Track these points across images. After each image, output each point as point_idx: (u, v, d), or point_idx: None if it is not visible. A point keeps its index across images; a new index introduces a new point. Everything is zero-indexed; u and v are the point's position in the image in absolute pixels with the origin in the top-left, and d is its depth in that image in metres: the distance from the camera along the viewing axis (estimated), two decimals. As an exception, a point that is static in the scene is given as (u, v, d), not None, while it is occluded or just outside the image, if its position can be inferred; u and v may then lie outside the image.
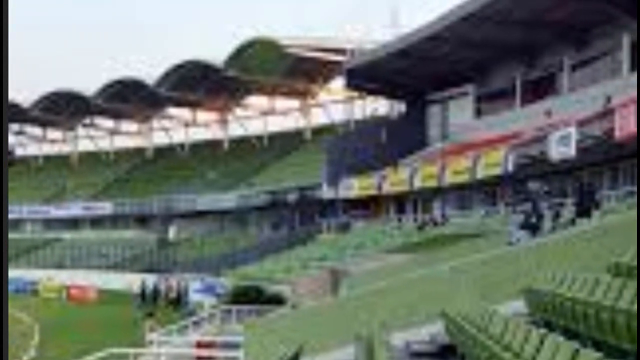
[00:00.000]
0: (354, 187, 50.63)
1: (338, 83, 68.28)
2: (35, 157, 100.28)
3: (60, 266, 73.82)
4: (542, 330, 9.41)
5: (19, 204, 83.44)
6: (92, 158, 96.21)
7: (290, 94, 78.14)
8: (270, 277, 43.39)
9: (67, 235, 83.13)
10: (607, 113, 28.71)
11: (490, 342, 10.11)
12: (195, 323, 36.28)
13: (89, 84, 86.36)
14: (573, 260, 16.77)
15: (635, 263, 11.82)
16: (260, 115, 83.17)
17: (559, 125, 33.13)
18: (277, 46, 65.47)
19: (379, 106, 64.35)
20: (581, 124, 30.34)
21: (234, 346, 25.13)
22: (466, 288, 18.26)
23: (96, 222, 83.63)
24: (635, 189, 28.10)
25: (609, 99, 30.80)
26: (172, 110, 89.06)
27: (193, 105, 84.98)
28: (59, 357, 30.31)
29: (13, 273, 61.28)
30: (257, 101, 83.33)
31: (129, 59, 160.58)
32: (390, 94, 57.71)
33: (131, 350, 25.48)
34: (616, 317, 9.02)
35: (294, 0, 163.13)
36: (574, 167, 32.75)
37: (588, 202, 23.83)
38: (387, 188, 47.70)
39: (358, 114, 70.57)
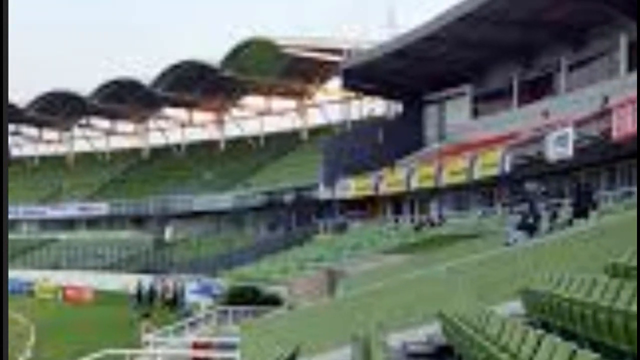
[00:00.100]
0: (351, 187, 50.56)
1: (335, 83, 68.22)
2: (31, 158, 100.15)
3: (56, 267, 73.73)
4: (540, 331, 9.38)
5: (15, 204, 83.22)
6: (88, 158, 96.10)
7: (286, 94, 78.11)
8: (267, 277, 43.33)
9: (63, 235, 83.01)
10: (604, 113, 28.67)
11: (487, 343, 10.06)
12: (192, 324, 36.21)
13: (85, 84, 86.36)
14: (570, 260, 16.74)
15: (632, 263, 11.78)
16: (257, 116, 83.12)
17: (556, 125, 33.08)
18: (274, 46, 65.42)
19: (376, 106, 64.39)
20: (578, 124, 30.30)
21: (231, 347, 25.06)
22: (463, 289, 18.21)
23: (92, 222, 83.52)
24: (632, 189, 28.12)
25: (606, 100, 30.76)
26: (169, 111, 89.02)
27: (189, 105, 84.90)
28: (55, 358, 30.27)
29: (9, 274, 61.12)
30: (253, 101, 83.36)
31: (125, 59, 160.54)
32: (387, 94, 57.66)
33: (127, 351, 25.38)
34: (613, 318, 8.98)
35: (291, 0, 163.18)
36: (571, 167, 32.71)
37: (585, 202, 23.80)
38: (384, 188, 47.64)
39: (355, 115, 70.57)
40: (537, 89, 43.67)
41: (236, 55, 68.69)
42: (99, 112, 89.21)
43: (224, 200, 69.17)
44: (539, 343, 8.79)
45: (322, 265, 41.46)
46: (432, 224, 41.46)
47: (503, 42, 42.65)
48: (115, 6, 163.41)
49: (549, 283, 12.96)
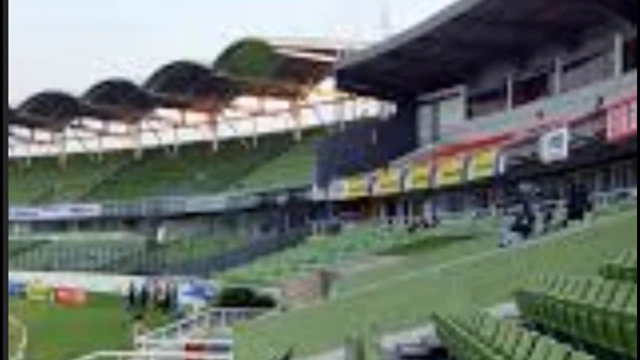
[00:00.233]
0: (344, 188, 50.48)
1: (328, 84, 68.12)
2: (23, 159, 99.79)
3: (48, 268, 73.48)
4: (534, 333, 9.32)
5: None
6: (80, 159, 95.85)
7: (280, 94, 78.01)
8: (260, 279, 43.24)
9: (55, 237, 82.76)
10: (599, 114, 28.63)
11: (481, 344, 9.97)
12: (185, 326, 36.14)
13: (77, 85, 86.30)
14: (565, 262, 16.66)
15: (627, 265, 11.70)
16: (250, 116, 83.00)
17: (550, 126, 33.06)
18: (267, 47, 65.32)
19: (370, 107, 64.35)
20: (573, 125, 30.26)
21: (224, 349, 25.00)
22: (457, 290, 18.12)
23: (84, 223, 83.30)
24: (627, 190, 28.09)
25: (601, 100, 30.72)
26: (161, 111, 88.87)
27: (182, 106, 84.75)
28: (47, 360, 30.08)
29: (1, 275, 60.90)
30: (246, 102, 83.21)
31: (118, 60, 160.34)
32: (381, 95, 57.62)
33: (120, 353, 25.35)
34: (608, 320, 8.91)
35: (284, 0, 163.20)
36: (565, 168, 32.67)
37: (580, 203, 23.75)
38: (377, 190, 47.58)
39: (348, 115, 70.50)
40: (532, 90, 43.65)
41: (229, 55, 68.56)
42: (91, 113, 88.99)
43: (217, 202, 69.05)
44: (533, 345, 8.72)
45: (315, 266, 41.37)
46: (426, 225, 41.39)
47: (497, 42, 42.62)
48: (108, 6, 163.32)
49: (543, 284, 12.87)
